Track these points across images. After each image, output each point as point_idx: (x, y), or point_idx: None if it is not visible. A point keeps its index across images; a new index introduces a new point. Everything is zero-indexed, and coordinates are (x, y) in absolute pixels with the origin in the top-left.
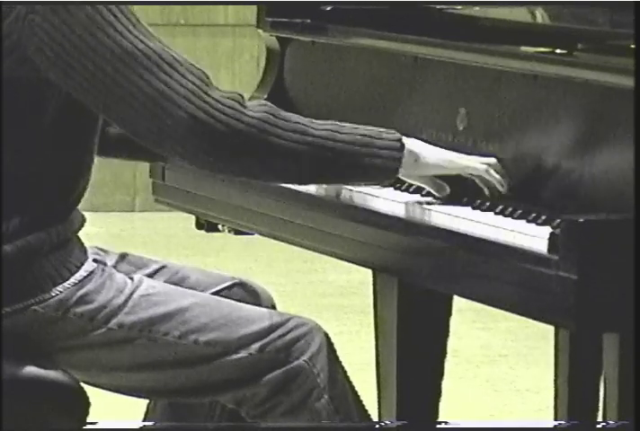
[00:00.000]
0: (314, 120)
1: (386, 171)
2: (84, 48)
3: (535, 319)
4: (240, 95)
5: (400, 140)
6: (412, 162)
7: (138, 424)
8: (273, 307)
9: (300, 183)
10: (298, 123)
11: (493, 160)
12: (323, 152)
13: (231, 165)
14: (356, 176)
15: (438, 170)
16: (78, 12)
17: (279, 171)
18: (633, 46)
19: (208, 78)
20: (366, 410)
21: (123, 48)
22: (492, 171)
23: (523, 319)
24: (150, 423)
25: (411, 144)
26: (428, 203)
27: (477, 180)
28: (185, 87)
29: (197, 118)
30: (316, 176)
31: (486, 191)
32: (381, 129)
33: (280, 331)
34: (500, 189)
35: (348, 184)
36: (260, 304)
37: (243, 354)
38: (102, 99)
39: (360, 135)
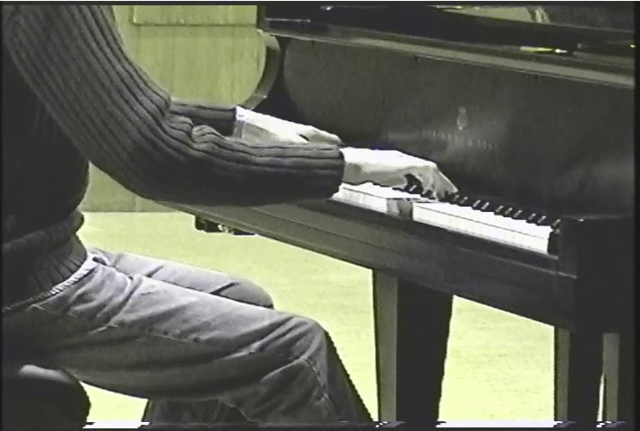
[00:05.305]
0: (259, 144)
1: (326, 189)
2: (54, 59)
3: (535, 319)
4: (190, 125)
5: (340, 157)
6: (353, 173)
7: (137, 424)
8: (271, 307)
9: (242, 206)
10: (241, 152)
11: (432, 164)
12: (264, 179)
13: (170, 195)
14: (298, 197)
15: (381, 176)
16: (58, 21)
17: (220, 199)
18: (633, 46)
19: (167, 105)
20: (366, 410)
21: (90, 65)
22: (439, 174)
23: (523, 319)
24: (148, 423)
25: (353, 156)
26: (428, 203)
27: (422, 180)
28: (138, 115)
29: (142, 148)
30: (258, 201)
31: (433, 191)
32: (323, 146)
33: (280, 330)
34: (448, 189)
35: (291, 203)
36: (257, 304)
37: (243, 353)
38: (61, 110)
39: (302, 157)
